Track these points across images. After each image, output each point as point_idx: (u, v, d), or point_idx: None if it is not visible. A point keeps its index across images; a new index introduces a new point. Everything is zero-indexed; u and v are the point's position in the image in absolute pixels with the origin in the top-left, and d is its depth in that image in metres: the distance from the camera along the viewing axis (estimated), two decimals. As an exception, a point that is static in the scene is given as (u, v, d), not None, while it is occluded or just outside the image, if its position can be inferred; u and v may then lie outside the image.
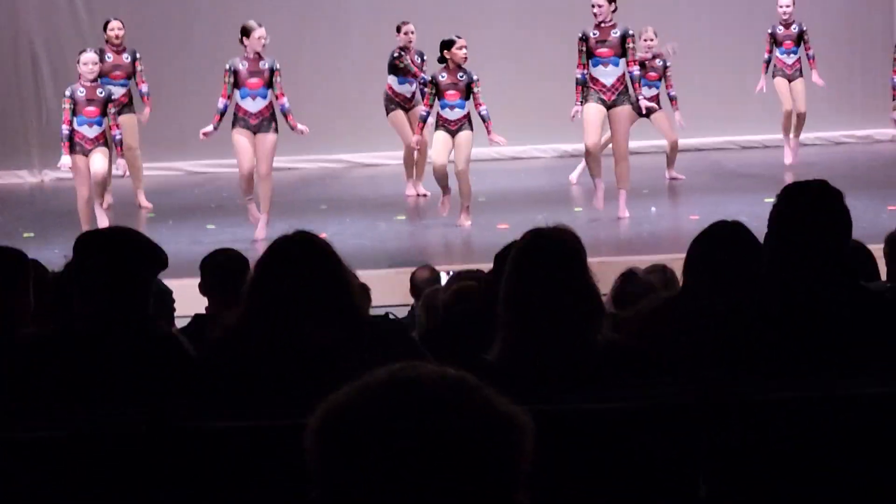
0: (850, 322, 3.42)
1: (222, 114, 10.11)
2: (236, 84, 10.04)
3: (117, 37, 11.92)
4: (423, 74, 11.64)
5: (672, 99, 12.25)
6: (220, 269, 5.04)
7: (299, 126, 10.05)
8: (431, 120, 10.59)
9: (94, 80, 10.30)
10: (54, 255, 9.10)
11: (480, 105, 10.41)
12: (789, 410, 3.11)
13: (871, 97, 11.02)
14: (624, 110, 10.23)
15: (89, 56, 10.35)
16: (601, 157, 10.35)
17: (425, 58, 11.87)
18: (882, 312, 3.48)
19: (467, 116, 10.42)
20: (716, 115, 15.18)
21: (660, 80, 12.28)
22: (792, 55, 12.73)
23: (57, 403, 3.32)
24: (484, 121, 10.40)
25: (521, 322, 3.28)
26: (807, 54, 12.72)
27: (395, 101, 12.06)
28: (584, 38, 10.21)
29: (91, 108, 10.19)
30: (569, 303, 3.26)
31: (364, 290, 5.47)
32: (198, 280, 5.15)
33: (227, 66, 10.07)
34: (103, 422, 3.13)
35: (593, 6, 10.25)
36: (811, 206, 3.51)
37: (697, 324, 3.59)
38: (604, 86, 10.17)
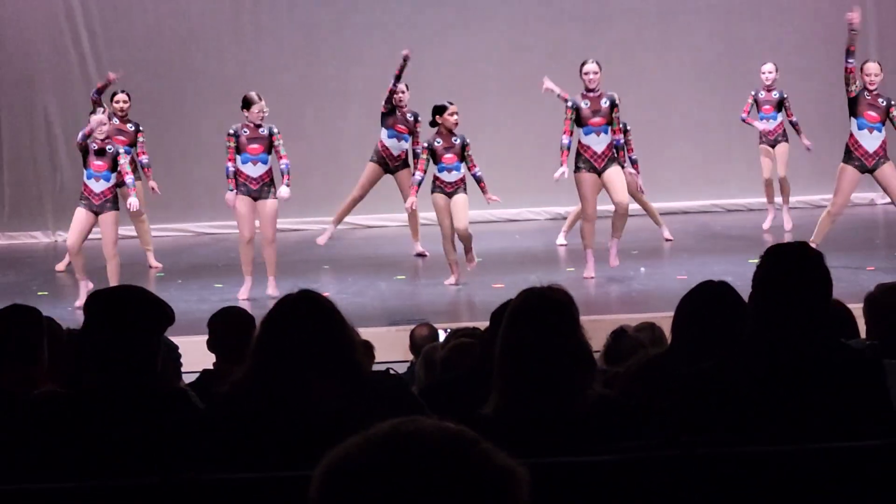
0: (831, 378, 3.49)
1: (234, 175, 10.27)
2: (238, 149, 10.24)
3: (122, 109, 12.43)
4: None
5: (633, 162, 11.97)
6: (226, 327, 5.11)
7: (282, 189, 10.20)
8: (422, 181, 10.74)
9: (104, 139, 10.49)
10: (67, 312, 9.25)
11: (475, 167, 10.59)
12: (773, 465, 3.15)
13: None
14: (616, 170, 10.37)
15: (98, 118, 10.55)
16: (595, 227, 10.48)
17: (420, 119, 12.03)
18: (862, 369, 3.56)
19: (463, 180, 10.59)
20: (702, 179, 15.35)
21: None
22: (772, 121, 12.61)
23: (68, 459, 3.34)
24: (478, 182, 10.56)
25: (516, 378, 3.34)
26: (790, 121, 12.58)
27: (379, 154, 12.18)
28: (575, 108, 10.32)
29: (99, 163, 10.37)
30: (562, 359, 3.32)
31: (367, 348, 5.59)
32: (206, 337, 5.22)
33: (231, 132, 10.30)
34: (114, 476, 3.16)
35: (587, 73, 10.39)
36: (793, 267, 3.56)
37: (685, 380, 3.66)
38: (594, 153, 10.31)
